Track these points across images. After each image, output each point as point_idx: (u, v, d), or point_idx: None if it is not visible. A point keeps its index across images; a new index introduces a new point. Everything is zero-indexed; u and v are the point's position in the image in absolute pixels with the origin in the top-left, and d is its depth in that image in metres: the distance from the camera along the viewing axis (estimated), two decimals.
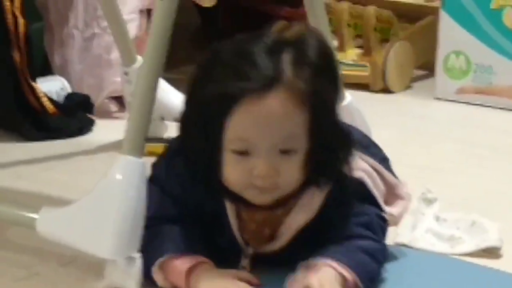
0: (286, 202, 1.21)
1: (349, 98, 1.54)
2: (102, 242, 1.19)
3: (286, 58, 1.15)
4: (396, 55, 2.32)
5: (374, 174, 1.28)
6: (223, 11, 2.56)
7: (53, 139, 1.90)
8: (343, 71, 1.62)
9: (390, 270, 1.28)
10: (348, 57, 2.34)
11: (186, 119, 1.19)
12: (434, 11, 2.37)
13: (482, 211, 1.51)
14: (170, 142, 1.29)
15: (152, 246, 1.21)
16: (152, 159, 1.30)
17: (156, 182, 1.25)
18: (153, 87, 1.22)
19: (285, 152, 1.15)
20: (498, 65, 2.23)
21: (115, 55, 2.01)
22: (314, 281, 1.15)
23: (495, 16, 2.22)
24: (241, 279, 1.19)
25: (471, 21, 2.23)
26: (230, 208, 1.22)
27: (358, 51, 2.38)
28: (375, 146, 1.37)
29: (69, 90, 2.04)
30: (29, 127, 1.90)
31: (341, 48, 2.36)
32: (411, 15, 2.48)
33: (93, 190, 1.21)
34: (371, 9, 2.38)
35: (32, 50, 1.93)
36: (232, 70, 1.14)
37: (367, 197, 1.25)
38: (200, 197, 1.22)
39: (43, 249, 1.35)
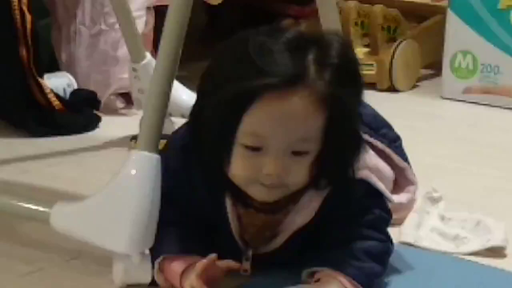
0: (285, 206, 1.20)
1: None
2: (118, 237, 1.19)
3: (310, 57, 1.11)
4: (403, 54, 2.32)
5: (381, 164, 1.25)
6: (230, 9, 2.56)
7: (60, 135, 1.90)
8: None
9: (394, 269, 1.28)
10: None
11: (201, 112, 1.16)
12: (441, 11, 2.37)
13: (487, 210, 1.50)
14: (169, 140, 1.27)
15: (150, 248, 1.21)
16: None
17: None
18: (169, 83, 1.22)
19: (297, 153, 1.13)
20: (505, 65, 2.22)
21: (122, 51, 2.01)
22: None
23: (502, 16, 2.21)
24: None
25: (478, 21, 2.23)
26: (231, 212, 1.20)
27: (365, 49, 2.38)
28: (387, 126, 1.33)
29: (75, 86, 2.04)
30: (35, 123, 1.90)
31: None
32: (418, 14, 2.48)
33: (108, 185, 1.21)
34: (378, 8, 2.38)
35: (39, 46, 1.93)
36: (253, 65, 1.10)
37: (372, 193, 1.23)
38: (200, 197, 1.21)
39: (48, 244, 1.35)
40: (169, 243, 1.20)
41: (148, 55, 1.81)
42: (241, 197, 1.19)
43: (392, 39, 2.38)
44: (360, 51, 2.36)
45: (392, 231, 1.27)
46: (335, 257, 1.18)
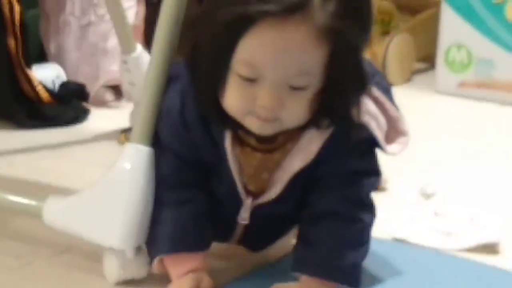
0: (283, 145, 1.17)
1: None
2: (112, 231, 1.19)
3: None
4: (396, 47, 2.31)
5: (378, 112, 1.22)
6: None
7: (48, 128, 1.89)
8: None
9: (387, 266, 1.27)
10: None
11: (197, 38, 1.12)
12: (435, 4, 2.36)
13: (481, 206, 1.50)
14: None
15: (151, 239, 1.20)
16: None
17: (158, 140, 1.22)
18: (164, 75, 1.21)
19: (295, 88, 1.09)
20: (499, 59, 2.22)
21: (111, 43, 2.00)
22: None
23: (497, 9, 2.20)
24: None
25: (473, 14, 2.22)
26: (229, 149, 1.16)
27: None
28: (379, 74, 1.28)
29: (64, 78, 2.03)
30: (23, 115, 1.90)
31: None
32: (412, 7, 2.47)
33: (102, 179, 1.21)
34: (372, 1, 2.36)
35: (28, 37, 1.92)
36: None
37: (369, 142, 1.19)
38: (198, 139, 1.17)
39: (36, 239, 1.34)
40: (168, 238, 1.19)
41: (139, 47, 1.80)
42: (237, 133, 1.15)
43: (386, 33, 2.37)
44: None
45: (384, 227, 1.26)
46: (315, 259, 1.18)
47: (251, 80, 1.09)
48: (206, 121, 1.16)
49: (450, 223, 1.44)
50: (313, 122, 1.13)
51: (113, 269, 1.22)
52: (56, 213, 1.25)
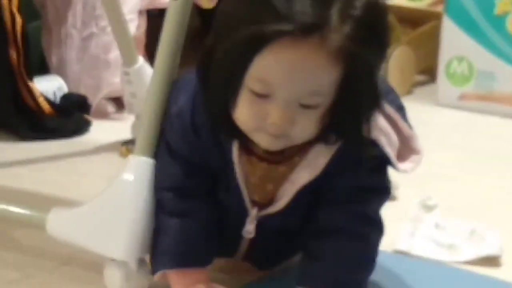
0: (291, 158, 1.17)
1: None
2: (115, 243, 1.19)
3: (333, 7, 1.05)
4: (397, 60, 2.31)
5: (389, 129, 1.21)
6: None
7: (49, 140, 1.89)
8: None
9: (388, 278, 1.27)
10: None
11: (211, 53, 1.11)
12: (436, 16, 2.36)
13: (482, 219, 1.50)
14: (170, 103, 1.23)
15: (154, 251, 1.20)
16: None
17: (167, 146, 1.21)
18: (167, 87, 1.21)
19: (305, 106, 1.09)
20: (500, 72, 2.22)
21: (113, 55, 2.00)
22: None
23: (498, 22, 2.20)
24: None
25: (474, 27, 2.22)
26: (236, 156, 1.16)
27: None
28: (393, 92, 1.27)
29: (66, 90, 2.03)
30: (25, 127, 1.90)
31: None
32: (412, 20, 2.47)
33: (105, 190, 1.21)
34: None
35: (30, 49, 1.92)
36: (271, 9, 1.05)
37: (380, 159, 1.18)
38: (206, 150, 1.17)
39: (37, 250, 1.34)
40: (171, 253, 1.19)
41: (140, 58, 1.80)
42: (245, 143, 1.15)
43: None
44: None
45: (385, 239, 1.26)
46: (320, 273, 1.17)
47: (263, 96, 1.09)
48: (214, 126, 1.16)
49: (452, 236, 1.44)
50: (322, 137, 1.13)
51: (116, 281, 1.21)
52: (60, 224, 1.25)
